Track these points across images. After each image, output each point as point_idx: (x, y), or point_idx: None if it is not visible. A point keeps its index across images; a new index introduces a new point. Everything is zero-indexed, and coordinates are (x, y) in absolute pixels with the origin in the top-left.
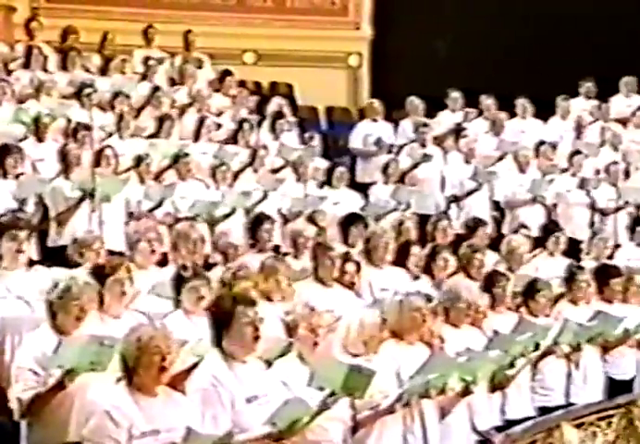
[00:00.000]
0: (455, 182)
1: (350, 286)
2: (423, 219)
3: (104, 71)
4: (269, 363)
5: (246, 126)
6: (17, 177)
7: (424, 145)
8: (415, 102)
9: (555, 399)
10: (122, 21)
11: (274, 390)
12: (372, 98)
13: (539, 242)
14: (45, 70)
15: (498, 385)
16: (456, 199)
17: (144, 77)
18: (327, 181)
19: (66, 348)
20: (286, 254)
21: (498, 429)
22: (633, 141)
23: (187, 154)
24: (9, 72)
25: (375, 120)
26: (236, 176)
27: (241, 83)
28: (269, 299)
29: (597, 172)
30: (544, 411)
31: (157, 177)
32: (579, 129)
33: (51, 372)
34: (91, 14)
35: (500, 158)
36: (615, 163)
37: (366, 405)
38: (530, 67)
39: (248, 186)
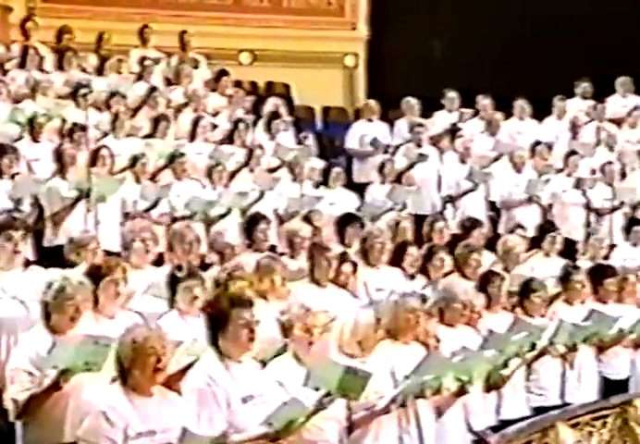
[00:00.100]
0: (451, 182)
1: (345, 286)
2: (419, 219)
3: (100, 71)
4: (264, 364)
5: (242, 126)
6: (12, 177)
7: (419, 145)
8: (411, 102)
9: (550, 399)
10: (118, 21)
11: (270, 390)
12: (368, 98)
13: (535, 242)
14: (41, 70)
15: (493, 385)
16: (452, 199)
17: (140, 77)
18: (323, 181)
19: (60, 348)
20: (282, 254)
21: (494, 429)
22: (628, 142)
23: (183, 154)
24: (5, 72)
25: (370, 120)
26: (232, 176)
27: (237, 83)
28: (264, 298)
29: (593, 172)
30: (539, 411)
31: (153, 177)
32: (575, 129)
33: (46, 372)
34: (86, 14)
35: (496, 159)
36: (610, 163)
37: (362, 405)
38: (526, 67)
39: (244, 186)
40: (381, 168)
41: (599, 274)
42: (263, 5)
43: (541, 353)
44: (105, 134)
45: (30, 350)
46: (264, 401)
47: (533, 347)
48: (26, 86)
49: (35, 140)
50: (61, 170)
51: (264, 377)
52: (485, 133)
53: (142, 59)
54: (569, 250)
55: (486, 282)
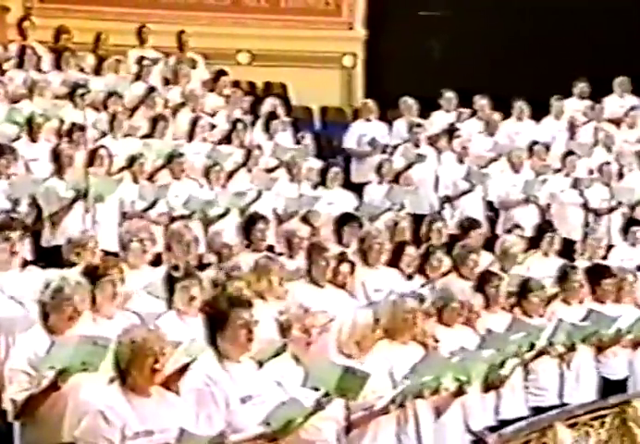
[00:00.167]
0: (449, 182)
1: (343, 286)
2: (417, 219)
3: (97, 71)
4: (262, 364)
5: (240, 126)
6: (10, 177)
7: (417, 145)
8: (409, 102)
9: (548, 399)
10: (115, 21)
11: (268, 390)
12: (366, 98)
13: (533, 242)
14: (39, 70)
15: (491, 385)
16: (450, 199)
17: (138, 77)
18: (322, 181)
19: (58, 348)
20: (280, 254)
21: (492, 429)
22: (626, 142)
23: (181, 154)
24: (3, 72)
25: (368, 120)
26: (230, 176)
27: (235, 83)
28: (263, 298)
29: (591, 172)
30: (537, 411)
31: (151, 177)
32: (572, 129)
33: (44, 373)
34: (84, 14)
35: (494, 159)
36: (608, 163)
37: (360, 406)
38: (524, 67)
39: (242, 186)
40: (379, 168)
41: (597, 274)
42: (260, 5)
43: (540, 353)
44: (103, 134)
45: (29, 350)
46: (263, 402)
47: (531, 347)
48: (23, 86)
49: (33, 140)
50: (59, 170)
51: (262, 378)
52: (483, 133)
53: (140, 59)
54: (567, 250)
55: (483, 282)
